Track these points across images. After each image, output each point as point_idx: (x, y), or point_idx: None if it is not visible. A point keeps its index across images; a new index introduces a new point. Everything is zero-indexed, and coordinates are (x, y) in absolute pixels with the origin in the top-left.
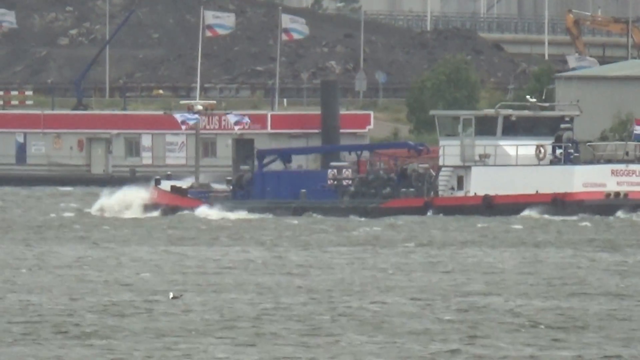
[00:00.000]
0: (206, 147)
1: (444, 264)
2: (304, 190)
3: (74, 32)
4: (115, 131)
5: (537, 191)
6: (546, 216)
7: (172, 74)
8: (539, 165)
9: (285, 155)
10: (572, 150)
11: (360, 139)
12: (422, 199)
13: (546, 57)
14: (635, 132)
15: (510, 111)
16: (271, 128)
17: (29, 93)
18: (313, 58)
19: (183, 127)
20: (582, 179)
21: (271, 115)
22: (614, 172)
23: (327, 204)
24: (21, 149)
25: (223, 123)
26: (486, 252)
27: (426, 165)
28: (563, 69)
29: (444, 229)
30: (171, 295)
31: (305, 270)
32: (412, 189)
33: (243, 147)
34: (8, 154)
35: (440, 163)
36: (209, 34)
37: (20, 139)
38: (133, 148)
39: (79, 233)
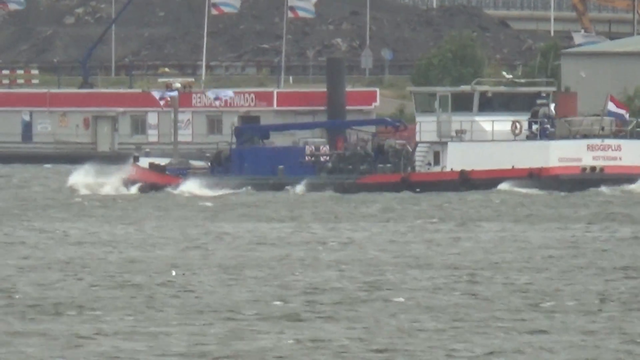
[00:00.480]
0: (212, 124)
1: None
2: (281, 167)
3: (79, 10)
4: (121, 109)
5: (513, 166)
6: (523, 190)
7: (178, 52)
8: (515, 140)
9: (262, 132)
10: (548, 126)
11: (367, 115)
12: (399, 175)
13: (552, 33)
14: (609, 108)
15: (486, 87)
16: (277, 105)
17: (35, 72)
18: (319, 35)
19: (162, 102)
20: (557, 154)
21: (277, 93)
22: (589, 147)
23: (305, 180)
24: (27, 128)
25: (229, 101)
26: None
27: (403, 141)
28: (569, 46)
29: (483, 206)
30: (174, 273)
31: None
32: (389, 165)
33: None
34: (14, 133)
35: (417, 139)
36: (214, 12)
37: (27, 118)
38: (139, 126)
39: (116, 211)
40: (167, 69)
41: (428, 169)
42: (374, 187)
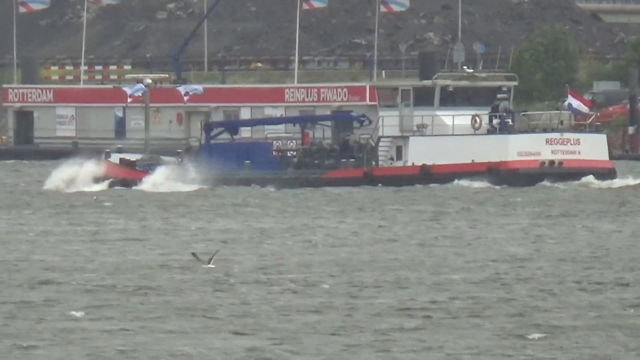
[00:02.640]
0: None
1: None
2: (248, 162)
3: (172, 6)
4: (214, 105)
5: (472, 160)
6: (482, 185)
7: (270, 47)
8: (475, 134)
9: (232, 127)
10: (508, 120)
11: None
12: (362, 169)
13: None
14: (569, 102)
15: (447, 82)
16: (370, 100)
17: (127, 67)
18: (411, 30)
19: (129, 99)
20: (516, 148)
21: (370, 87)
22: (548, 141)
23: (270, 175)
24: (120, 124)
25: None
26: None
27: (367, 136)
28: None
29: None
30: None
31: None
32: (352, 160)
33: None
34: (107, 129)
35: (380, 134)
36: (306, 6)
37: (120, 114)
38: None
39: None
40: (259, 64)
41: (391, 163)
42: (337, 181)
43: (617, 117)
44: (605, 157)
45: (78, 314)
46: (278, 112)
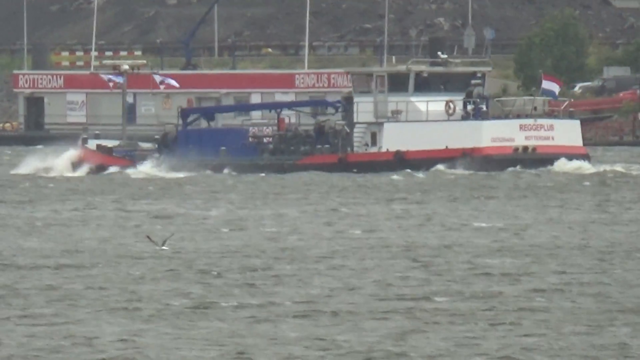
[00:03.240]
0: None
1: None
2: (223, 148)
3: None
4: (224, 90)
5: (447, 146)
6: (456, 170)
7: (281, 33)
8: (448, 120)
9: (208, 114)
10: (482, 106)
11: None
12: (337, 155)
13: None
14: (543, 87)
15: (422, 67)
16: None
17: (138, 53)
18: (421, 15)
19: (110, 84)
20: (490, 134)
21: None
22: (522, 127)
23: (246, 161)
24: (131, 110)
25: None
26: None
27: (343, 122)
28: None
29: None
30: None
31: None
32: (327, 146)
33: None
34: (118, 114)
35: (355, 120)
36: None
37: (130, 100)
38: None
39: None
40: (270, 50)
41: (366, 149)
42: (312, 167)
43: (627, 102)
44: (579, 142)
45: None
46: (288, 98)
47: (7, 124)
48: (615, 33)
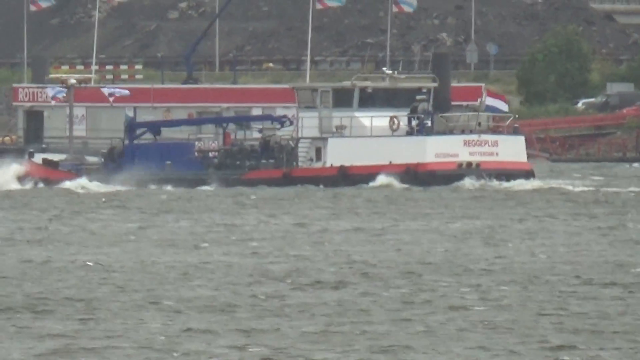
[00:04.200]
0: None
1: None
2: (169, 162)
3: (183, 5)
4: (225, 105)
5: (390, 161)
6: (400, 185)
7: (282, 47)
8: (392, 136)
9: (154, 128)
10: (427, 122)
11: (471, 112)
12: (281, 170)
13: None
14: (486, 102)
15: (367, 83)
16: None
17: (138, 67)
18: (424, 30)
19: (53, 102)
20: (434, 150)
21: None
22: (466, 143)
23: (191, 176)
24: None
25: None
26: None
27: (288, 137)
28: None
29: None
30: None
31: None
32: (272, 161)
33: None
34: (118, 128)
35: (300, 135)
36: (319, 6)
37: (130, 113)
38: (243, 122)
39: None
40: (271, 64)
41: (310, 164)
42: (257, 182)
43: (631, 118)
44: (523, 158)
45: None
46: (290, 113)
47: (7, 138)
48: (619, 49)
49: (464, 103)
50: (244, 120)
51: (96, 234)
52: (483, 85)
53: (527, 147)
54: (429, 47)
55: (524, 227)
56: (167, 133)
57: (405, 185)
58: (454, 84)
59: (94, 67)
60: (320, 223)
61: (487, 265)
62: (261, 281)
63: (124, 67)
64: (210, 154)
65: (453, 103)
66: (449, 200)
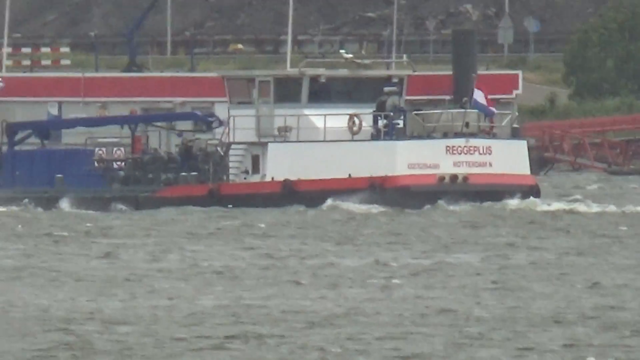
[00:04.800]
0: None
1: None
2: (60, 176)
3: None
4: (179, 99)
5: (350, 175)
6: (362, 207)
7: (255, 23)
8: (353, 141)
9: (42, 130)
10: (398, 121)
11: (505, 107)
12: (207, 186)
13: None
14: (475, 98)
15: (319, 71)
16: None
17: (65, 50)
18: (442, 1)
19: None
20: (407, 159)
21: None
22: (449, 149)
23: (89, 193)
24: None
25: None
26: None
27: (216, 142)
28: None
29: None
30: None
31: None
32: (194, 173)
33: None
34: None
35: (231, 139)
36: None
37: (54, 111)
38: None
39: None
40: (240, 46)
41: (245, 178)
42: (175, 202)
43: None
44: (526, 170)
45: None
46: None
47: None
48: None
49: (497, 97)
50: (158, 120)
51: None
52: (474, 74)
53: (579, 157)
54: (448, 24)
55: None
56: (67, 137)
57: (366, 206)
58: (481, 71)
59: (6, 50)
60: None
61: None
62: None
63: (45, 49)
64: (115, 165)
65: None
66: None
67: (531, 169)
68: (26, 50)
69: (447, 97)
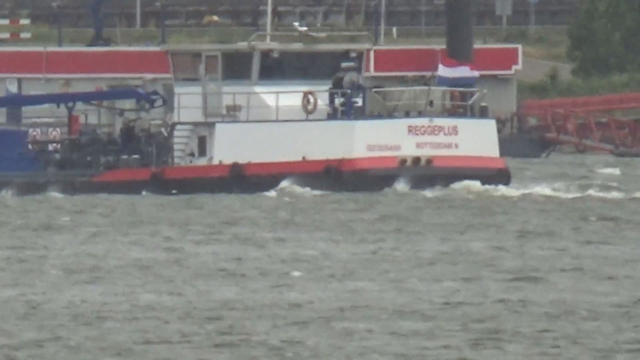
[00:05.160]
0: None
1: None
2: None
3: None
4: (149, 75)
5: (304, 157)
6: (315, 192)
7: None
8: (307, 120)
9: None
10: (356, 100)
11: (504, 84)
12: (149, 170)
13: None
14: (439, 74)
15: (271, 45)
16: (375, 70)
17: (24, 22)
18: None
19: None
20: (366, 140)
21: (375, 52)
22: (412, 130)
23: (22, 178)
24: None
25: None
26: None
27: (160, 122)
28: None
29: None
30: None
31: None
32: (136, 156)
33: None
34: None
35: (175, 119)
36: None
37: (13, 88)
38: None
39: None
40: (215, 17)
41: (190, 161)
42: (115, 186)
43: None
44: (495, 152)
45: None
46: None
47: None
48: None
49: (494, 72)
50: (97, 98)
51: None
52: (438, 48)
53: (585, 138)
54: None
55: None
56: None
57: (320, 192)
58: (478, 45)
59: None
60: None
61: None
62: None
63: (3, 21)
64: (50, 147)
65: (477, 73)
66: None
67: (533, 151)
68: None
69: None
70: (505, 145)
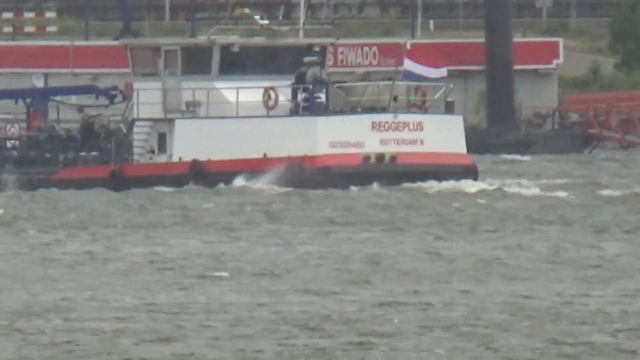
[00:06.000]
0: None
1: None
2: None
3: None
4: None
5: (265, 154)
6: (276, 188)
7: None
8: (268, 117)
9: None
10: (319, 95)
11: (545, 78)
12: (108, 167)
13: None
14: (405, 67)
15: (232, 38)
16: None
17: (50, 15)
18: None
19: None
20: (329, 136)
21: (411, 45)
22: (375, 126)
23: None
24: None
25: None
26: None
27: (119, 118)
28: None
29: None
30: None
31: None
32: (94, 153)
33: None
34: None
35: (135, 115)
36: None
37: (39, 83)
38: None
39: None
40: (246, 10)
41: (150, 158)
42: (74, 184)
43: None
44: (462, 148)
45: None
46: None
47: None
48: None
49: (535, 67)
50: (55, 94)
51: None
52: (405, 41)
53: (628, 133)
54: None
55: None
56: None
57: (283, 189)
58: (517, 38)
59: None
60: None
61: None
62: None
63: (29, 14)
64: (8, 144)
65: (517, 67)
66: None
67: (574, 147)
68: (7, 15)
69: (479, 67)
70: (547, 142)
